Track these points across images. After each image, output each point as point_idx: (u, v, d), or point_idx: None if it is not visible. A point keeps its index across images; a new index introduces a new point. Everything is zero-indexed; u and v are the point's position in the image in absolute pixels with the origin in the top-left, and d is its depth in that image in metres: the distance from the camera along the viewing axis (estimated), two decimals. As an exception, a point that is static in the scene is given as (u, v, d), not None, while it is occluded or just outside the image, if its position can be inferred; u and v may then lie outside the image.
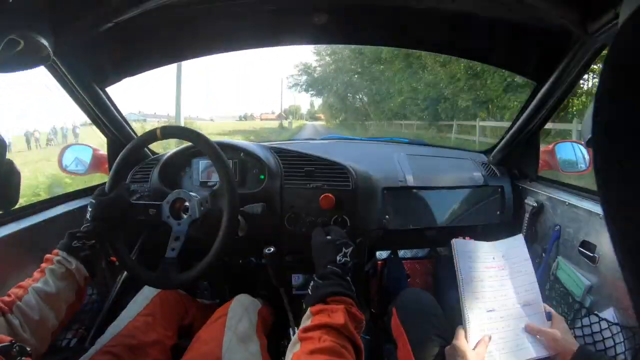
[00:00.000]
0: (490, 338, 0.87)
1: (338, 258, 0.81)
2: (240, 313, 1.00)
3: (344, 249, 0.84)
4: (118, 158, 1.01)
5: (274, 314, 1.22)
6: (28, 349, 0.58)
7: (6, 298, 0.72)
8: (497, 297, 0.93)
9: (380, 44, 1.41)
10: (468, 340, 0.86)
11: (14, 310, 0.70)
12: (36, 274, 0.78)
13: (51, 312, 0.75)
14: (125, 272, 1.40)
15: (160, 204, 1.01)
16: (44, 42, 0.71)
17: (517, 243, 0.98)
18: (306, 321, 0.68)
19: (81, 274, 0.82)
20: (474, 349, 0.85)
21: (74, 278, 0.81)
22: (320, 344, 0.59)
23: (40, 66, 0.81)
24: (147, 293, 1.07)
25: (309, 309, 0.70)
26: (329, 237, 0.89)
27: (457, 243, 0.97)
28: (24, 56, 0.71)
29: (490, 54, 1.29)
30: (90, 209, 0.93)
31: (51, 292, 0.76)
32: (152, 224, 1.10)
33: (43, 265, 0.80)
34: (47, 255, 0.82)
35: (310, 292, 0.75)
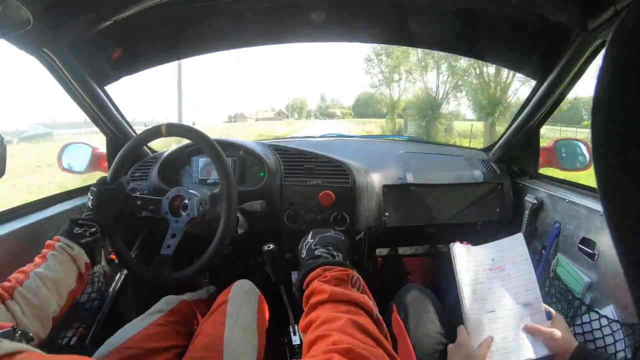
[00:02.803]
0: (492, 339, 0.88)
1: (301, 250, 0.82)
2: (242, 298, 0.99)
3: (302, 244, 0.84)
4: (122, 150, 1.01)
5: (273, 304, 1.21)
6: (30, 334, 0.58)
7: (7, 283, 0.71)
8: (497, 298, 0.93)
9: (379, 41, 1.41)
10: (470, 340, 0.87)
11: (15, 296, 0.69)
12: (37, 259, 0.78)
13: (53, 298, 0.75)
14: (126, 271, 1.40)
15: (160, 199, 1.01)
16: (22, 5, 0.69)
17: (516, 243, 0.97)
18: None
19: (82, 261, 0.82)
20: (477, 349, 0.85)
21: (75, 264, 0.81)
22: (316, 322, 0.55)
23: (19, 32, 0.77)
24: (162, 306, 1.02)
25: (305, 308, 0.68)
26: (308, 241, 0.87)
27: (456, 248, 0.98)
28: (3, 22, 0.69)
29: (490, 52, 1.29)
30: (91, 197, 0.93)
31: (53, 278, 0.76)
32: (151, 221, 1.10)
33: (44, 250, 0.80)
34: (49, 241, 0.82)
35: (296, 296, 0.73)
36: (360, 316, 0.55)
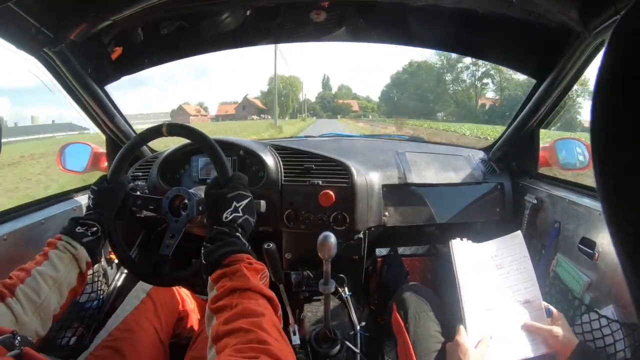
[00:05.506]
0: (491, 337, 0.88)
1: (225, 216, 0.77)
2: None
3: (234, 204, 0.78)
4: (122, 149, 1.00)
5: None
6: (30, 339, 0.57)
7: (8, 281, 0.72)
8: (496, 296, 0.93)
9: (379, 41, 1.40)
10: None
11: (16, 293, 0.70)
12: (39, 257, 0.78)
13: (53, 295, 0.75)
14: (125, 270, 1.40)
15: (160, 198, 1.01)
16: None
17: (515, 241, 0.98)
18: (212, 292, 0.67)
19: (84, 260, 0.82)
20: (475, 347, 0.85)
21: (76, 262, 0.81)
22: (234, 310, 0.58)
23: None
24: (143, 287, 1.07)
25: (209, 278, 0.69)
26: (221, 190, 0.81)
27: (455, 244, 0.98)
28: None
29: (490, 51, 1.29)
30: (91, 196, 0.93)
31: (54, 276, 0.76)
32: (151, 221, 1.10)
33: (46, 249, 0.80)
34: (50, 240, 0.82)
35: (203, 260, 0.72)
36: (274, 314, 0.62)
